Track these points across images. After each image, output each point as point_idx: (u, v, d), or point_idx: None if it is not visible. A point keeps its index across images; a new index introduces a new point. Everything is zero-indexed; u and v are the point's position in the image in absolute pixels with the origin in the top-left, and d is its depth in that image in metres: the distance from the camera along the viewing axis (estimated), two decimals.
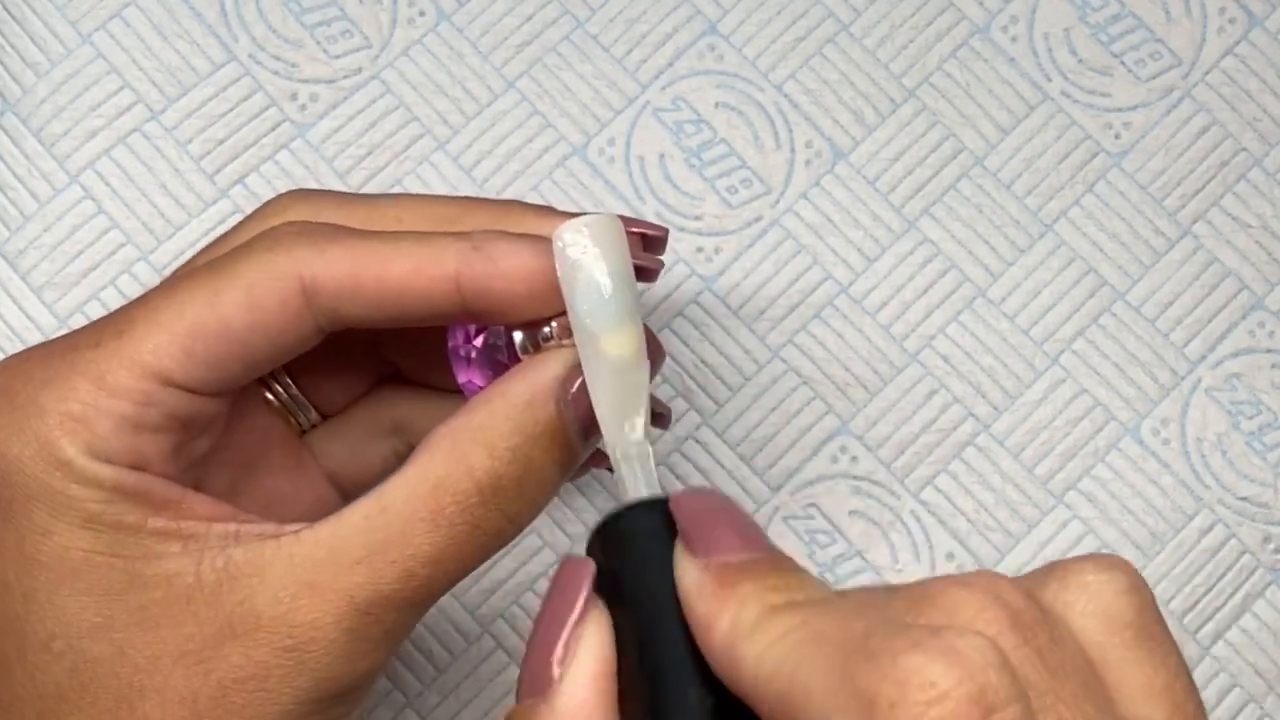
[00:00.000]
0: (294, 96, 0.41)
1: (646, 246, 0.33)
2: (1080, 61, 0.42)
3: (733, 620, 0.22)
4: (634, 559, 0.25)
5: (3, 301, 0.39)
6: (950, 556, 0.39)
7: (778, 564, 0.23)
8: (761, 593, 0.23)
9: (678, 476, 0.39)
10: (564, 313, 0.29)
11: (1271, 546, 0.39)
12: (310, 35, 0.41)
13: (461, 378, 0.31)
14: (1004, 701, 0.19)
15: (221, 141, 0.40)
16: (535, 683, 0.24)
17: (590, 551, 0.25)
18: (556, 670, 0.24)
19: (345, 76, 0.41)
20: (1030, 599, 0.22)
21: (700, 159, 0.41)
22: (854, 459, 0.39)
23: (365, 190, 0.40)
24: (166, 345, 0.28)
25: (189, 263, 0.32)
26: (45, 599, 0.28)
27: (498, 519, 0.29)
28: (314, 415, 0.34)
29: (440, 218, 0.31)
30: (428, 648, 0.38)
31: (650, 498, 0.26)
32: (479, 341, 0.31)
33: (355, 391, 0.35)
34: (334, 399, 0.35)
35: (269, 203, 0.32)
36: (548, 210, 0.32)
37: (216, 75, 0.41)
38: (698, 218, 0.41)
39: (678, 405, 0.39)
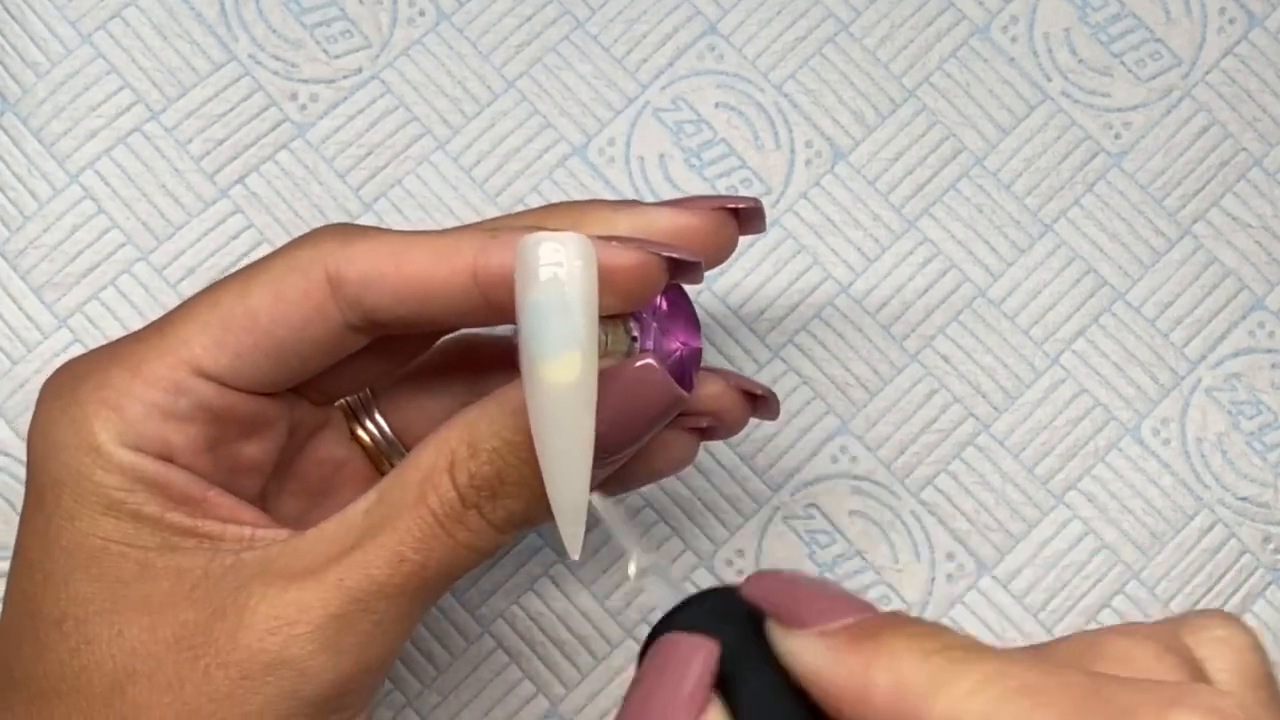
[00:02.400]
0: (294, 96, 0.41)
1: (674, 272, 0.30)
2: (1080, 61, 0.42)
3: (894, 676, 0.20)
4: (727, 650, 0.22)
5: (3, 301, 0.39)
6: (950, 556, 0.39)
7: (901, 615, 0.22)
8: (911, 640, 0.21)
9: (678, 476, 0.39)
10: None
11: (1271, 546, 0.39)
12: (310, 35, 0.41)
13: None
14: None
15: (221, 141, 0.40)
16: None
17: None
18: None
19: (345, 76, 0.41)
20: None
21: (700, 159, 0.41)
22: (854, 459, 0.39)
23: (364, 190, 0.40)
24: (197, 335, 0.29)
25: None
26: (60, 581, 0.29)
27: (476, 519, 0.28)
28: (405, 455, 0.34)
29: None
30: (428, 648, 0.38)
31: (703, 591, 0.23)
32: None
33: None
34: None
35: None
36: (628, 204, 0.31)
37: (216, 75, 0.41)
38: None
39: None
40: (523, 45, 0.42)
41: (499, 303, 0.28)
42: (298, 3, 0.41)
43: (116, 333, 0.39)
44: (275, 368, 0.29)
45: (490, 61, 0.41)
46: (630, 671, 0.38)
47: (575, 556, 0.26)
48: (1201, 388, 0.40)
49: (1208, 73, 0.42)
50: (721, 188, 0.41)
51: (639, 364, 0.28)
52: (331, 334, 0.29)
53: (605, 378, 0.27)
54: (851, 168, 0.41)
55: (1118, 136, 0.42)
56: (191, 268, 0.40)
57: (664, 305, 0.30)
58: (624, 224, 0.29)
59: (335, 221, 0.40)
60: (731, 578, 0.38)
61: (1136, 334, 0.40)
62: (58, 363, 0.38)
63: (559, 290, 0.25)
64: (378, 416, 0.34)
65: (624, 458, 0.30)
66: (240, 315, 0.29)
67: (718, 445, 0.39)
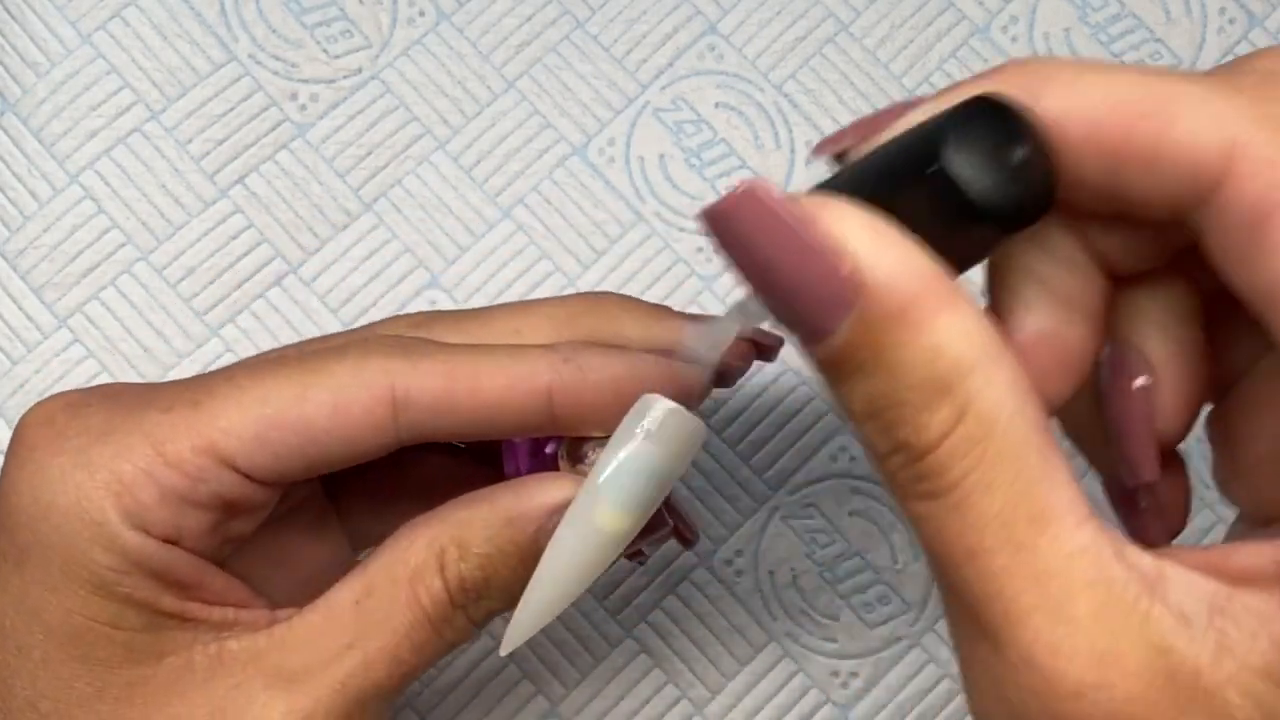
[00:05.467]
0: (294, 96, 0.41)
1: (759, 352, 0.33)
2: None
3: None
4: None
5: (3, 301, 0.39)
6: None
7: None
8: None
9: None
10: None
11: None
12: (310, 35, 0.41)
13: (508, 467, 0.31)
14: None
15: (221, 141, 0.40)
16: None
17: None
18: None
19: (345, 76, 0.41)
20: None
21: (700, 159, 0.41)
22: (854, 459, 0.39)
23: (364, 190, 0.40)
24: (239, 428, 0.28)
25: (278, 350, 0.31)
26: (40, 658, 0.28)
27: (462, 618, 0.28)
28: None
29: (558, 321, 0.31)
30: None
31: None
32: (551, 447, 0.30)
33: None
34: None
35: (378, 322, 0.32)
36: (661, 310, 0.32)
37: (216, 75, 0.41)
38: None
39: None
40: (523, 45, 0.42)
41: (569, 421, 0.29)
42: (298, 3, 0.41)
43: (116, 333, 0.39)
44: (308, 468, 0.29)
45: (490, 61, 0.41)
46: (628, 672, 0.38)
47: (504, 653, 0.28)
48: None
49: None
50: (721, 188, 0.41)
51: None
52: (380, 446, 0.29)
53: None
54: None
55: None
56: (191, 268, 0.40)
57: None
58: (656, 329, 0.30)
59: (339, 226, 0.40)
60: (731, 578, 0.38)
61: None
62: (58, 363, 0.39)
63: (660, 458, 0.27)
64: None
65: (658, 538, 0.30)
66: (293, 419, 0.28)
67: (717, 445, 0.39)
